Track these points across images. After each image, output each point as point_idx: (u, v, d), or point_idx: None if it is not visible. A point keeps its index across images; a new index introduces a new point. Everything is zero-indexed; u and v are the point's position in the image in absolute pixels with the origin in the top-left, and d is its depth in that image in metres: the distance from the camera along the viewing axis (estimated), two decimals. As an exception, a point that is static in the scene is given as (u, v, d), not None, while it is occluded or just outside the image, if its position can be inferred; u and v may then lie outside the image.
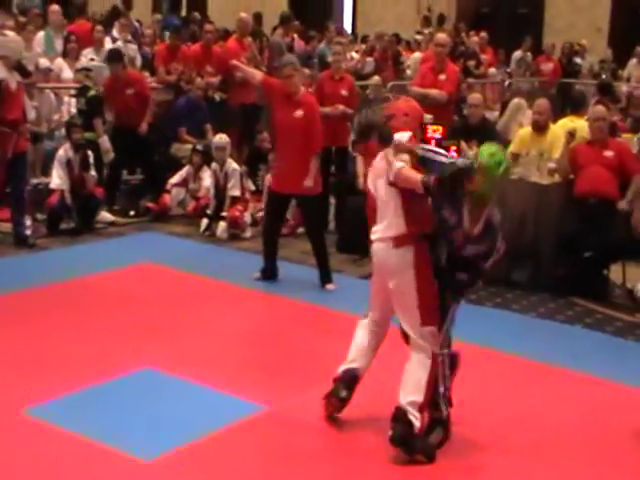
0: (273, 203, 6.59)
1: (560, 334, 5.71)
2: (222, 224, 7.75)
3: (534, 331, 5.75)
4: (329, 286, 6.40)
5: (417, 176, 3.81)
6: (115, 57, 8.52)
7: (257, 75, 6.72)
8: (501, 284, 6.54)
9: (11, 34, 7.61)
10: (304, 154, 6.23)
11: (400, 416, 3.85)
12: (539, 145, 7.00)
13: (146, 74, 9.65)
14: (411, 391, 3.88)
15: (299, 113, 6.23)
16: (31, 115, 7.45)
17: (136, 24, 12.30)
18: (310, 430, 4.17)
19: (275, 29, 11.64)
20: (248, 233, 7.78)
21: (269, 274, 6.47)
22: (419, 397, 3.86)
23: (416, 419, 3.84)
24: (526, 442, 4.15)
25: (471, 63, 12.26)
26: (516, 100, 8.79)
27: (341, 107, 7.97)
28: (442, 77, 8.17)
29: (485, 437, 4.18)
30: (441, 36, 8.92)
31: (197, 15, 13.57)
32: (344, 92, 8.11)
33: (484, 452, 4.04)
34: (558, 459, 4.01)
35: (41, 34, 9.83)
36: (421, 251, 3.92)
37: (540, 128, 7.10)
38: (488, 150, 3.92)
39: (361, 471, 3.83)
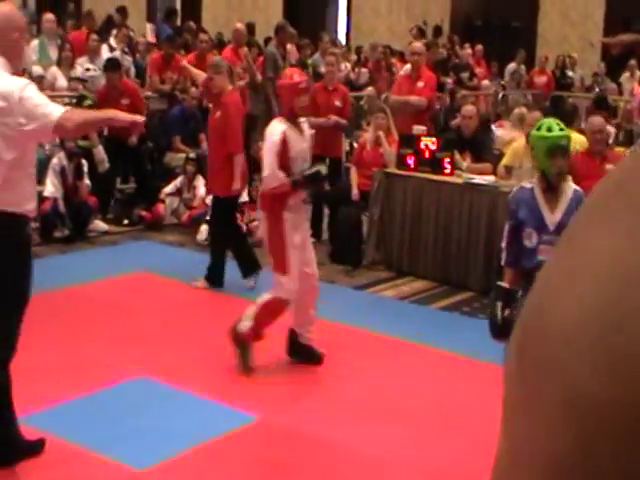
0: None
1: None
2: (203, 227, 7.80)
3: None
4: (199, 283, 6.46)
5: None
6: (113, 66, 8.55)
7: (200, 77, 7.01)
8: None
9: None
10: (223, 155, 6.40)
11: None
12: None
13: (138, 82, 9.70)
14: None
15: (218, 114, 6.44)
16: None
17: (131, 34, 12.34)
18: (301, 441, 4.19)
19: (268, 40, 11.70)
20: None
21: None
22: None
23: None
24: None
25: (464, 75, 12.34)
26: (517, 110, 8.86)
27: (334, 118, 8.03)
28: (420, 84, 8.35)
29: (486, 449, 4.20)
30: (417, 45, 9.08)
31: (192, 25, 13.61)
32: (337, 103, 8.17)
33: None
34: None
35: (35, 42, 9.84)
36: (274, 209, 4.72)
37: (533, 140, 7.16)
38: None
39: (351, 475, 3.86)
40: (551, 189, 4.00)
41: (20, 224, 3.45)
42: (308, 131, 5.09)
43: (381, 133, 7.68)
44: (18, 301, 3.49)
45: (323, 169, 5.05)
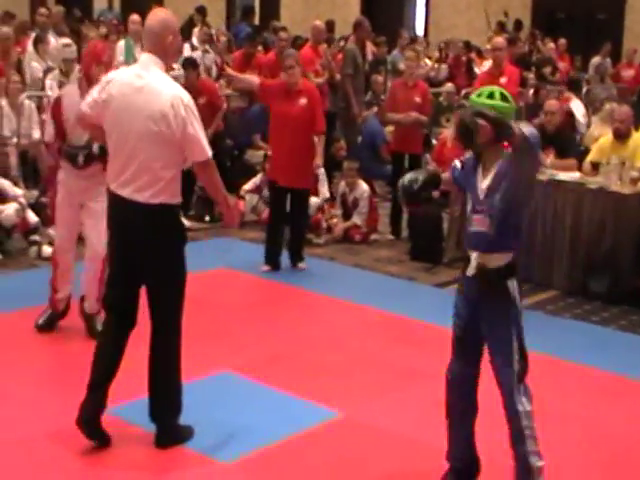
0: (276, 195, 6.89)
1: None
2: None
3: (615, 344, 5.63)
4: (301, 265, 6.81)
5: None
6: (190, 65, 8.69)
7: (254, 80, 7.20)
8: (578, 295, 6.45)
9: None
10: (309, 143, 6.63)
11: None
12: (620, 153, 6.85)
13: (221, 82, 9.81)
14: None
15: (303, 102, 6.62)
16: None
17: (212, 32, 12.52)
18: (383, 437, 4.18)
19: (344, 38, 11.68)
20: (322, 239, 7.83)
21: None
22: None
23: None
24: (601, 460, 4.08)
25: (546, 70, 12.10)
26: (608, 106, 8.63)
27: (414, 114, 7.97)
28: (503, 80, 8.20)
29: (559, 450, 4.12)
30: (498, 40, 8.93)
31: (276, 23, 13.71)
32: (417, 99, 8.11)
33: (561, 465, 3.99)
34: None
35: (121, 43, 10.08)
36: None
37: (621, 136, 6.97)
38: (477, 92, 3.67)
39: (431, 473, 3.82)
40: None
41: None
42: None
43: None
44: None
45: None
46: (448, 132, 7.94)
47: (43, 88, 8.38)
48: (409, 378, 4.93)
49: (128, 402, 4.34)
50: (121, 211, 3.80)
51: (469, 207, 3.59)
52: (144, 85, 3.68)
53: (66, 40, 8.00)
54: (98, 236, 4.91)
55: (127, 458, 3.85)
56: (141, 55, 3.86)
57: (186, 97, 3.70)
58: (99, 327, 4.96)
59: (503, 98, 3.52)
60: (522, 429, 3.43)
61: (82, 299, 5.25)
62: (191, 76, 8.54)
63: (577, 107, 10.19)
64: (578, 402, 4.67)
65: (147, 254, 3.79)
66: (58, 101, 5.20)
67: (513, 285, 3.48)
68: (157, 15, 3.81)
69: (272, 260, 6.79)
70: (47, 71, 8.85)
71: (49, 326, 5.26)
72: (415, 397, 4.63)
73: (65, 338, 5.23)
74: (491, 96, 3.53)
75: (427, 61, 11.87)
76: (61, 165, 5.15)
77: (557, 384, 4.88)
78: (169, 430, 3.95)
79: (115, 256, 3.93)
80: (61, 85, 7.22)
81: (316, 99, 6.77)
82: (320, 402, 4.46)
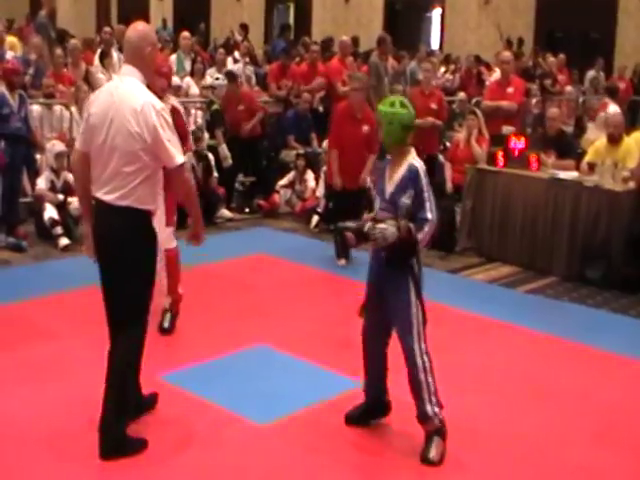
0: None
1: (635, 328, 5.47)
2: (315, 217, 7.81)
3: (608, 325, 5.51)
4: (341, 262, 6.52)
5: None
6: (231, 77, 8.64)
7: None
8: (576, 281, 6.34)
9: None
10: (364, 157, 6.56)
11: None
12: (614, 155, 6.74)
13: (256, 89, 9.77)
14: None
15: (365, 129, 6.50)
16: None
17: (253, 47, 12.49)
18: (400, 405, 4.09)
19: (368, 52, 11.56)
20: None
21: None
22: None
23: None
24: (596, 429, 3.99)
25: (547, 82, 11.92)
26: (602, 114, 8.50)
27: (431, 119, 7.90)
28: (510, 90, 8.14)
29: (558, 420, 4.04)
30: (506, 54, 8.85)
31: (307, 39, 13.65)
32: (433, 105, 8.03)
33: (559, 434, 3.90)
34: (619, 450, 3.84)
35: (173, 56, 10.06)
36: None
37: (615, 140, 6.87)
38: (383, 102, 3.72)
39: (453, 446, 3.75)
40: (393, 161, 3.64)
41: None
42: None
43: (475, 131, 7.57)
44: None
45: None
46: (461, 135, 7.86)
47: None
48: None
49: (176, 370, 4.32)
50: (96, 212, 3.50)
51: (377, 202, 3.66)
52: (118, 90, 3.42)
53: None
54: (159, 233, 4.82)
55: (172, 417, 3.83)
56: (123, 67, 3.54)
57: (158, 104, 3.39)
58: (165, 324, 4.90)
59: (402, 105, 3.61)
60: (420, 381, 3.53)
61: None
62: (232, 86, 8.49)
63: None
64: (575, 377, 4.57)
65: (113, 255, 3.44)
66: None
67: (413, 262, 3.53)
68: (136, 28, 3.49)
69: (346, 254, 6.54)
70: (108, 81, 8.87)
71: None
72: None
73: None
74: (392, 104, 3.62)
75: (442, 71, 11.70)
76: None
77: (556, 361, 4.79)
78: (114, 438, 3.47)
79: (97, 257, 3.57)
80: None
81: (375, 126, 6.38)
82: (346, 374, 4.40)
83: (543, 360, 4.79)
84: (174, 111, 4.79)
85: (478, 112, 7.87)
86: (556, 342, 5.05)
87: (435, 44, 17.43)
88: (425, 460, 3.52)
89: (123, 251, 3.43)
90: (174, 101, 5.07)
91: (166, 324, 4.91)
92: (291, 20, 18.86)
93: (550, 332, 5.18)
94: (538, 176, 6.79)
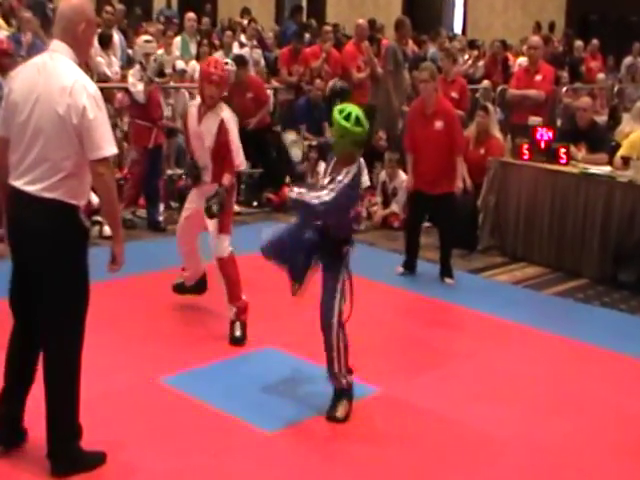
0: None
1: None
2: None
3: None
4: (448, 280, 6.26)
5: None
6: (240, 62, 8.66)
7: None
8: (608, 284, 6.32)
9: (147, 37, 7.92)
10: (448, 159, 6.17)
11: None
12: (650, 149, 6.71)
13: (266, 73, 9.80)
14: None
15: (439, 125, 6.10)
16: (165, 112, 7.72)
17: (259, 28, 12.50)
18: (417, 414, 4.13)
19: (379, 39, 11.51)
20: (362, 226, 7.77)
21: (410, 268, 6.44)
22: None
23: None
24: (631, 440, 3.99)
25: (580, 69, 11.88)
26: (638, 104, 8.44)
27: None
28: (538, 78, 8.15)
29: (591, 431, 4.04)
30: (534, 38, 8.84)
31: (313, 22, 13.66)
32: (454, 94, 8.01)
33: (593, 445, 3.91)
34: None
35: (178, 39, 10.10)
36: None
37: (651, 132, 6.83)
38: (339, 107, 3.94)
39: (470, 455, 3.77)
40: None
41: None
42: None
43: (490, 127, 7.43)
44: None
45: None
46: (470, 132, 7.75)
47: (106, 81, 8.43)
48: (443, 357, 4.88)
49: (177, 373, 4.35)
50: (11, 204, 3.25)
51: None
52: (46, 67, 3.19)
53: (147, 37, 8.05)
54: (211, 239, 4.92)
55: (174, 423, 3.86)
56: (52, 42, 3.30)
57: (92, 87, 3.17)
58: (237, 333, 4.86)
59: (357, 123, 3.78)
60: (333, 357, 4.01)
61: None
62: (241, 72, 8.51)
63: None
64: (606, 387, 4.56)
65: (35, 255, 3.21)
66: (186, 114, 5.10)
67: (347, 250, 4.09)
68: (70, 1, 3.26)
69: (408, 265, 6.40)
70: (108, 65, 8.92)
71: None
72: (450, 376, 4.58)
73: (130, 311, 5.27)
74: (347, 118, 3.79)
75: (465, 58, 11.68)
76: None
77: (585, 370, 4.79)
78: (63, 455, 3.35)
79: (12, 256, 3.35)
80: (142, 79, 7.24)
81: (453, 120, 6.14)
82: (360, 378, 4.41)
83: (571, 369, 4.79)
84: (223, 125, 4.75)
85: (490, 107, 7.73)
86: (585, 349, 5.05)
87: (458, 28, 17.40)
88: (331, 418, 3.97)
89: (45, 252, 3.20)
90: (226, 113, 4.88)
91: (238, 332, 4.87)
92: (304, 1, 18.85)
93: (579, 338, 5.18)
94: (567, 170, 6.78)
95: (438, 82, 6.30)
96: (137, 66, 7.43)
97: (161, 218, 7.47)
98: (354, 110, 3.84)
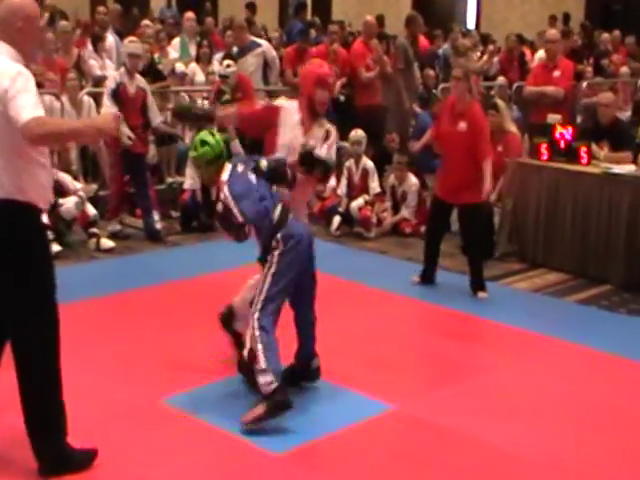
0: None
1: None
2: (337, 219, 7.81)
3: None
4: (481, 294, 6.13)
5: None
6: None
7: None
8: (635, 290, 6.28)
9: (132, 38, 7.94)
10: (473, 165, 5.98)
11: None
12: (677, 146, 6.68)
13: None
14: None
15: (462, 126, 5.99)
16: (157, 120, 7.64)
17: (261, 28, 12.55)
18: (433, 431, 4.12)
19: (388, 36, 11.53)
20: (372, 233, 7.78)
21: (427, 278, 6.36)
22: None
23: None
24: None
25: (604, 62, 11.85)
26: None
27: None
28: (556, 73, 8.15)
29: (615, 449, 4.02)
30: (551, 32, 8.82)
31: (317, 20, 13.71)
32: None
33: (613, 460, 3.88)
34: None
35: (177, 40, 10.15)
36: None
37: (677, 128, 6.80)
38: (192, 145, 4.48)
39: (491, 475, 3.75)
40: None
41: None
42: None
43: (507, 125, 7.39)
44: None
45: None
46: None
47: (100, 84, 8.47)
48: (461, 372, 4.86)
49: (179, 393, 4.36)
50: None
51: None
52: None
53: (132, 37, 8.11)
54: None
55: (179, 446, 3.85)
56: None
57: (16, 69, 3.26)
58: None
59: (202, 143, 4.30)
60: (251, 355, 4.04)
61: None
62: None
63: None
64: (631, 400, 4.53)
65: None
66: (276, 111, 4.54)
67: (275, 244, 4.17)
68: (8, 1, 3.39)
69: (426, 275, 6.32)
70: (101, 68, 8.98)
71: None
72: (469, 392, 4.56)
73: (121, 328, 5.28)
74: (195, 149, 4.35)
75: (479, 54, 11.69)
76: None
77: (612, 382, 4.76)
78: (50, 455, 3.48)
79: None
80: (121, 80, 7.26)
81: (480, 123, 6.00)
82: (373, 395, 4.41)
83: (597, 382, 4.77)
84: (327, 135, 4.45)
85: (500, 104, 7.66)
86: (611, 361, 5.02)
87: (471, 23, 17.41)
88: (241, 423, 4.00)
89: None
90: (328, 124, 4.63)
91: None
92: (308, -2, 18.91)
93: (604, 349, 5.15)
94: (589, 171, 6.75)
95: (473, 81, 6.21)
96: (121, 69, 7.46)
97: (158, 226, 7.48)
98: (198, 137, 4.37)
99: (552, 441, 4.06)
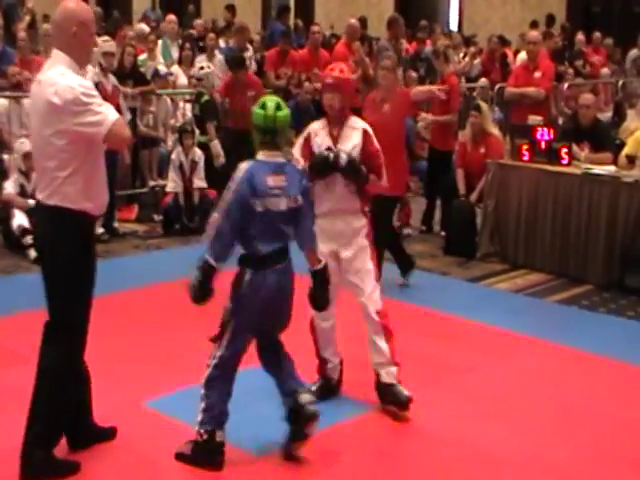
0: None
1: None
2: None
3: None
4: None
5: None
6: (239, 63, 8.70)
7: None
8: (614, 290, 6.34)
9: (105, 38, 7.95)
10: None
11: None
12: (656, 147, 6.75)
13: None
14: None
15: (386, 107, 5.90)
16: (127, 117, 7.61)
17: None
18: (419, 431, 4.15)
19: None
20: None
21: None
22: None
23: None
24: (633, 457, 4.01)
25: (579, 63, 11.95)
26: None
27: (441, 118, 7.81)
28: (537, 74, 8.20)
29: (590, 447, 4.06)
30: (533, 34, 8.90)
31: (299, 23, 13.73)
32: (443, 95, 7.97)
33: (590, 462, 3.92)
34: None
35: (159, 43, 10.15)
36: None
37: (658, 129, 6.87)
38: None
39: (470, 475, 3.78)
40: None
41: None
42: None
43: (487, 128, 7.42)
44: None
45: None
46: (465, 134, 7.77)
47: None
48: (443, 372, 4.89)
49: (161, 396, 4.36)
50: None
51: None
52: (41, 79, 3.46)
53: (105, 37, 8.12)
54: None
55: (161, 451, 3.86)
56: None
57: (77, 88, 3.34)
58: (403, 396, 4.27)
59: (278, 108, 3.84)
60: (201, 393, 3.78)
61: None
62: (240, 73, 8.55)
63: None
64: (614, 399, 4.58)
65: (42, 255, 3.66)
66: (308, 138, 4.45)
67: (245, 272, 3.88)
68: (62, 6, 3.46)
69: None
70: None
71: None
72: (449, 392, 4.59)
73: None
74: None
75: (461, 56, 11.74)
76: None
77: (592, 381, 4.80)
78: (30, 460, 3.52)
79: None
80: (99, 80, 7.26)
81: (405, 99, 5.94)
82: (355, 396, 4.43)
83: (577, 381, 4.81)
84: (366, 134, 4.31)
85: (482, 105, 7.72)
86: (591, 360, 5.07)
87: (453, 24, 17.49)
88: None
89: (45, 255, 3.59)
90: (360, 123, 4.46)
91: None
92: (291, 1, 18.93)
93: (585, 348, 5.20)
94: (569, 171, 6.81)
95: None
96: (95, 68, 7.45)
97: (115, 225, 7.73)
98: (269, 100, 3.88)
99: (533, 440, 4.09)
